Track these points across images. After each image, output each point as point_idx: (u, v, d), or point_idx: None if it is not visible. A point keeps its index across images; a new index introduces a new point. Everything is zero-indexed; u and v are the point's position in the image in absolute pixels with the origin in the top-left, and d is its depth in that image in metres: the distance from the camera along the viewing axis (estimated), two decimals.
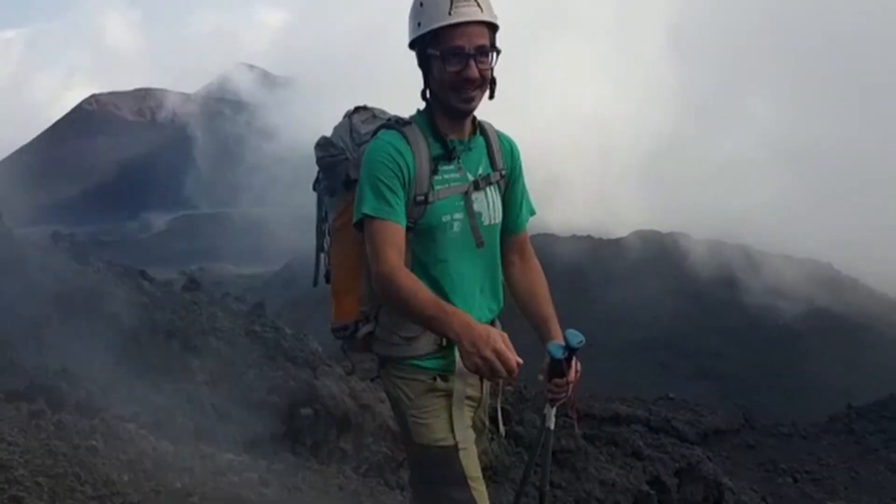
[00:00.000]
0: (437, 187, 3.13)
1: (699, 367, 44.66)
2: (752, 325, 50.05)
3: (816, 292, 51.72)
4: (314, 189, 3.56)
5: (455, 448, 3.17)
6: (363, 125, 3.40)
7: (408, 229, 3.13)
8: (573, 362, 3.22)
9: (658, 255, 56.54)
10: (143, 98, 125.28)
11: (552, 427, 3.40)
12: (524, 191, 3.43)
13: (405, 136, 3.12)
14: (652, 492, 11.08)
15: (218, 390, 8.11)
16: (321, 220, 3.57)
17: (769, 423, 19.07)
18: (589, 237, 59.90)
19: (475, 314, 3.26)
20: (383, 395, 6.26)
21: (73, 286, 7.46)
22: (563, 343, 3.18)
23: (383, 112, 3.48)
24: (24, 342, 6.54)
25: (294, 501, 5.57)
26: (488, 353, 2.74)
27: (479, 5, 3.06)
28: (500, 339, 2.78)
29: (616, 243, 60.27)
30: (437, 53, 3.03)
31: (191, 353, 8.22)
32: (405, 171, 3.07)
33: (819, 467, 16.10)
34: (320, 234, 3.59)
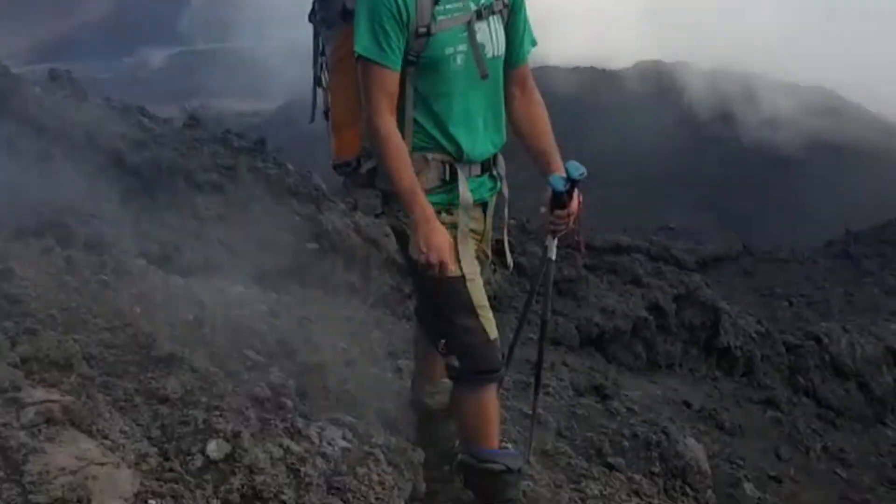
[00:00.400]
0: (440, 17, 3.09)
1: (699, 197, 44.88)
2: (751, 154, 49.90)
3: (818, 120, 51.28)
4: (310, 21, 3.47)
5: (462, 279, 3.23)
6: None
7: (410, 63, 3.10)
8: (575, 194, 3.23)
9: (658, 87, 55.74)
10: None
11: (553, 258, 3.45)
12: (526, 21, 3.38)
13: None
14: (650, 317, 11.33)
15: (224, 226, 8.13)
16: (318, 53, 3.49)
17: (767, 249, 19.28)
18: (591, 68, 58.91)
19: (479, 147, 3.26)
20: (388, 229, 6.30)
21: (73, 123, 7.35)
22: (564, 175, 3.18)
23: None
24: (27, 179, 6.50)
25: (304, 332, 5.69)
26: (433, 258, 2.99)
27: None
28: (448, 251, 3.02)
29: (616, 75, 59.36)
30: None
31: (195, 189, 8.19)
32: (403, 7, 3.01)
33: (815, 291, 16.39)
34: (318, 67, 3.52)
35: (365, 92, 3.07)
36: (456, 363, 3.31)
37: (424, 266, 3.02)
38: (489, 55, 3.19)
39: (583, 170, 3.19)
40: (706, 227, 25.24)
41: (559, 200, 3.22)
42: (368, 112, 3.06)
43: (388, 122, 3.05)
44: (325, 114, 3.49)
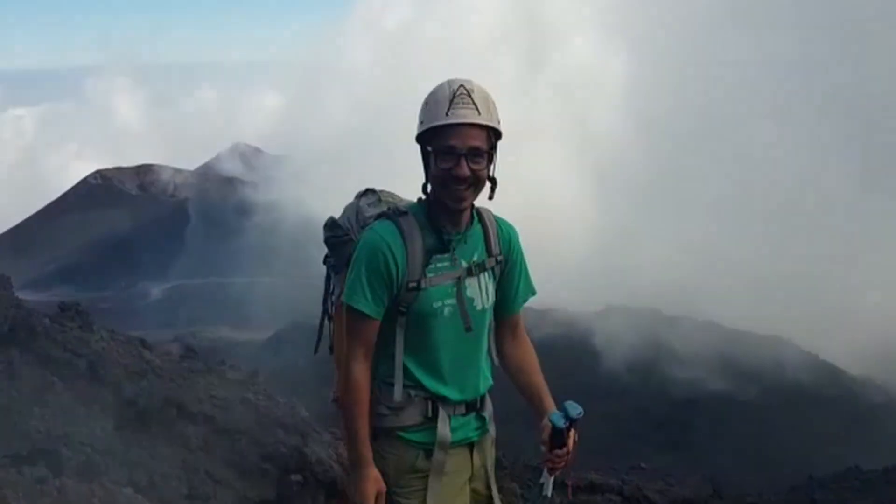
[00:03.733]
0: (430, 275, 3.15)
1: (668, 438, 44.42)
2: (712, 398, 50.00)
3: (777, 368, 51.90)
4: (324, 263, 3.58)
5: None
6: (368, 208, 3.43)
7: (401, 313, 3.15)
8: (571, 432, 3.24)
9: (629, 332, 56.65)
10: (145, 173, 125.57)
11: (549, 495, 3.39)
12: (522, 274, 3.42)
13: (400, 228, 3.14)
14: None
15: (212, 456, 7.99)
16: (328, 292, 3.58)
17: (735, 493, 18.90)
18: (564, 310, 59.92)
19: (464, 392, 3.27)
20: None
21: (77, 354, 7.39)
22: (562, 413, 3.20)
23: (391, 195, 3.50)
24: (28, 408, 6.45)
25: None
26: (358, 501, 3.11)
27: (477, 109, 3.09)
28: (372, 499, 3.11)
29: (586, 318, 60.41)
30: (433, 150, 3.09)
31: (187, 420, 8.12)
32: (393, 266, 3.10)
33: None
34: (326, 305, 3.59)
35: (346, 335, 3.14)
36: None
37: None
38: (477, 307, 3.24)
39: (580, 409, 3.19)
40: (675, 468, 24.86)
41: (559, 438, 3.22)
42: (346, 353, 3.14)
43: (358, 367, 3.13)
44: (331, 348, 3.54)
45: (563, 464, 3.27)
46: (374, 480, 3.12)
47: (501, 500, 3.57)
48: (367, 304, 3.10)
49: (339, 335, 3.42)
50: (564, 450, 3.23)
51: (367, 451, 3.13)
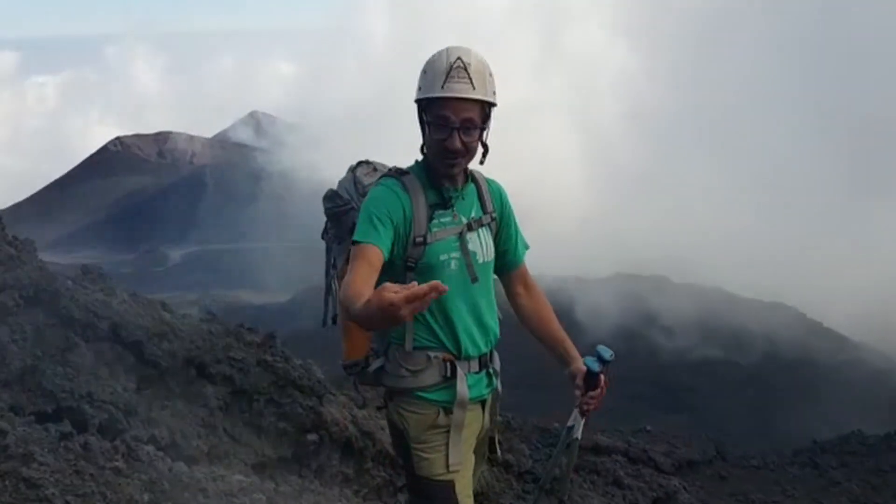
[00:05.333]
0: (434, 230, 3.23)
1: (673, 402, 44.59)
2: (720, 364, 50.07)
3: (783, 334, 51.88)
4: (323, 238, 3.62)
5: (451, 483, 3.21)
6: (366, 177, 3.51)
7: (409, 268, 3.21)
8: (602, 376, 3.35)
9: (636, 297, 56.72)
10: (164, 141, 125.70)
11: (579, 437, 3.48)
12: (517, 229, 3.55)
13: (404, 185, 3.22)
14: None
15: (230, 416, 8.07)
16: (330, 265, 3.61)
17: (739, 455, 18.97)
18: (575, 278, 60.03)
19: (475, 344, 3.33)
20: (383, 422, 6.24)
21: (100, 316, 7.43)
22: (595, 357, 3.31)
23: (384, 165, 3.58)
24: (52, 367, 6.51)
25: None
26: (381, 304, 2.55)
27: (472, 83, 3.14)
28: (387, 295, 2.62)
29: (594, 284, 60.53)
30: (428, 120, 3.16)
31: (206, 380, 8.18)
32: (400, 212, 3.15)
33: (786, 499, 15.98)
34: (329, 278, 3.63)
35: (350, 264, 3.08)
36: None
37: (381, 314, 2.60)
38: (480, 261, 3.33)
39: (611, 352, 3.34)
40: (680, 430, 24.94)
41: (593, 381, 3.32)
42: (347, 276, 2.97)
43: (356, 281, 2.91)
44: (334, 319, 3.57)
45: (595, 405, 3.38)
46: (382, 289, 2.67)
47: (495, 456, 3.66)
48: (373, 235, 3.10)
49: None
50: (599, 391, 3.35)
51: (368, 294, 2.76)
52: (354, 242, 3.11)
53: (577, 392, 3.40)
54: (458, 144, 3.10)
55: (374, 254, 3.09)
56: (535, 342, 3.50)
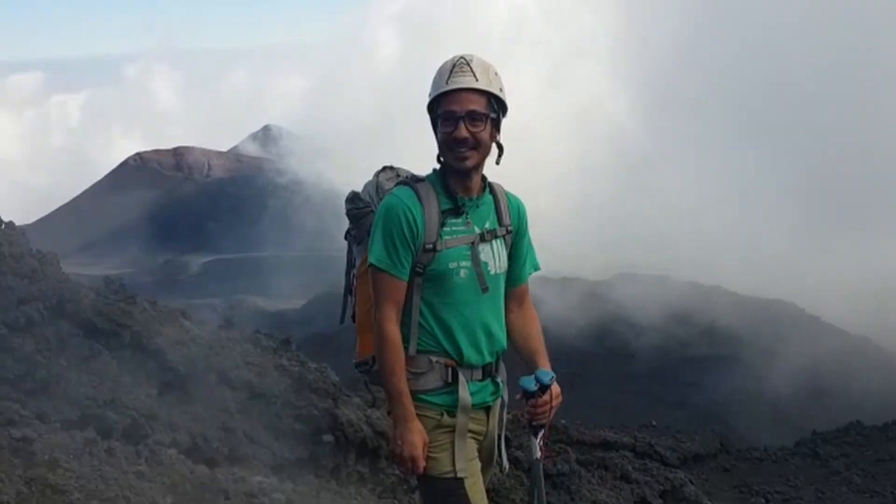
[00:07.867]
0: (445, 237, 3.17)
1: (680, 396, 44.42)
2: (722, 360, 49.87)
3: (780, 331, 51.63)
4: (345, 238, 3.59)
5: (460, 480, 3.17)
6: (387, 182, 3.47)
7: (418, 274, 3.16)
8: (548, 392, 3.27)
9: (640, 295, 56.54)
10: (182, 155, 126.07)
11: (539, 457, 3.40)
12: (529, 247, 3.46)
13: (417, 192, 3.18)
14: None
15: (249, 419, 8.07)
16: (350, 265, 3.58)
17: (743, 447, 18.92)
18: (579, 279, 59.95)
19: (479, 354, 3.28)
20: None
21: (122, 325, 7.45)
22: (533, 378, 3.25)
23: (407, 172, 3.53)
24: (77, 376, 6.53)
25: None
26: (405, 454, 3.05)
27: (474, 76, 3.13)
28: (420, 448, 3.05)
29: (599, 284, 60.43)
30: (437, 117, 3.14)
31: (225, 385, 8.19)
32: (413, 225, 3.12)
33: (789, 489, 15.91)
34: (349, 278, 3.60)
35: (375, 297, 3.14)
36: None
37: (398, 460, 3.05)
38: (492, 272, 3.25)
39: (552, 375, 3.27)
40: (684, 425, 24.88)
41: (531, 400, 3.28)
42: (377, 316, 3.14)
43: (391, 327, 3.12)
44: (353, 317, 3.55)
45: (542, 416, 3.30)
46: (419, 432, 3.11)
47: (507, 459, 3.61)
48: (394, 266, 3.11)
49: (362, 301, 3.43)
50: (539, 400, 3.27)
51: (410, 406, 3.12)
52: (374, 266, 3.12)
53: (518, 413, 3.39)
54: (464, 133, 3.06)
55: (398, 289, 3.13)
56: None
